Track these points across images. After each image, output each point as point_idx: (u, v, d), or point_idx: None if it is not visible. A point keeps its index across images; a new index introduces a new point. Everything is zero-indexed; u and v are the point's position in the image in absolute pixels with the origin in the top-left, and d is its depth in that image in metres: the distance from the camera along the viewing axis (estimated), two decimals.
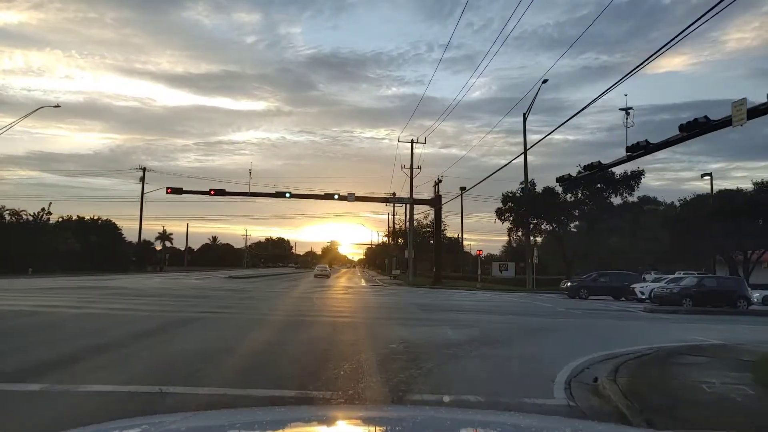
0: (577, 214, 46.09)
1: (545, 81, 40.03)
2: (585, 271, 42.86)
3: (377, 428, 2.16)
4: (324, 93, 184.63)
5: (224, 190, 42.69)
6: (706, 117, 13.34)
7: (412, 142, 52.26)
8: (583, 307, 25.06)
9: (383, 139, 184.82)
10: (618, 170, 42.55)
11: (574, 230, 48.25)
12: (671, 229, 46.04)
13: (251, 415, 2.55)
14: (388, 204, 78.00)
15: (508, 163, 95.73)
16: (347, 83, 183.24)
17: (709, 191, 50.22)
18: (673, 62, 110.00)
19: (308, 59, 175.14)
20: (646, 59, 13.06)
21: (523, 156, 42.88)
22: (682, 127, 13.70)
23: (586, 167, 24.43)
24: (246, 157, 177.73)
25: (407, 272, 55.07)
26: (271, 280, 51.58)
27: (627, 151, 20.53)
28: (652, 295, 30.52)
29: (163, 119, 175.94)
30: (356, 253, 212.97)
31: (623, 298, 33.88)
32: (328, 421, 2.32)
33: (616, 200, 43.39)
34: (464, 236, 65.25)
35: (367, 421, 2.33)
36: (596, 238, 43.96)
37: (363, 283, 52.98)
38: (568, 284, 36.01)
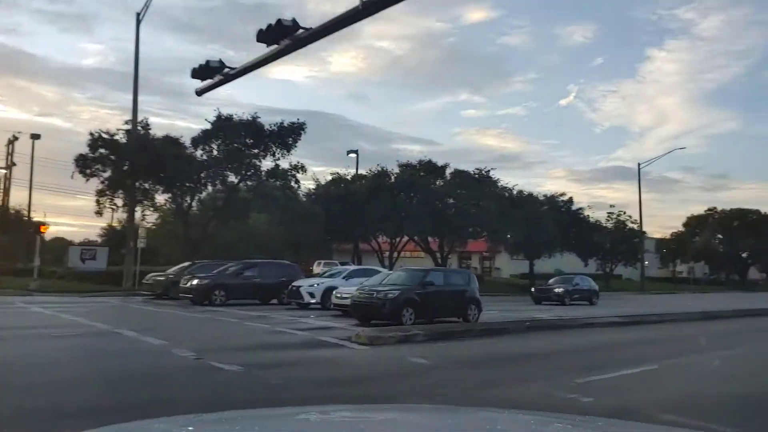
0: (203, 177, 31.08)
1: None
2: (217, 260, 29.00)
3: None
4: None
5: None
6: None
7: None
8: (242, 342, 11.44)
9: None
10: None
11: (204, 203, 34.02)
12: (323, 210, 36.70)
13: (257, 415, 2.36)
14: None
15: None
16: None
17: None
18: (290, 71, 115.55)
19: None
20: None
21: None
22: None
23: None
24: None
25: None
26: None
27: None
28: (333, 299, 18.93)
29: None
30: None
31: (275, 301, 21.96)
32: (335, 421, 2.14)
33: (268, 164, 30.92)
34: (57, 219, 43.41)
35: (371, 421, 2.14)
36: (234, 215, 30.92)
37: None
38: (194, 282, 21.85)
